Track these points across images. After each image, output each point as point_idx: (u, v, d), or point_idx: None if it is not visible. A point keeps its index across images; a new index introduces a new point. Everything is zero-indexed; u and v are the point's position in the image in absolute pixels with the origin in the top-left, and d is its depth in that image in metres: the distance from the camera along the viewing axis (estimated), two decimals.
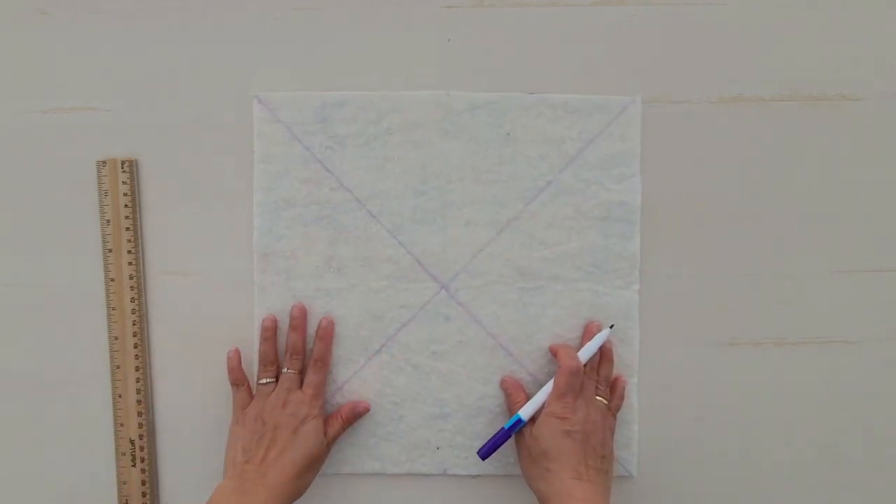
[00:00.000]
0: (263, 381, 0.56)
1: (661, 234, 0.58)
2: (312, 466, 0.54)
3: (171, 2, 0.58)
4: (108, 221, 0.57)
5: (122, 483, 0.58)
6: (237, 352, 0.57)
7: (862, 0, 0.58)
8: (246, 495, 0.50)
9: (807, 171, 0.58)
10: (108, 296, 0.57)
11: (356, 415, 0.57)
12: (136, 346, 0.57)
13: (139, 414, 0.58)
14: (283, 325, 0.58)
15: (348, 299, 0.58)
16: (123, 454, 0.58)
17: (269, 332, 0.57)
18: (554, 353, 0.56)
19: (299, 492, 0.53)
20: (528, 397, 0.55)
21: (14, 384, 0.59)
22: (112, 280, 0.57)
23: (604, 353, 0.56)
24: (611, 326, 0.57)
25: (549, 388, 0.54)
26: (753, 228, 0.58)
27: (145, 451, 0.57)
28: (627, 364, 0.58)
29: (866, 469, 0.59)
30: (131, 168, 0.57)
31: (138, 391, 0.57)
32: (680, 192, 0.58)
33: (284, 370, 0.56)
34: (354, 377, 0.58)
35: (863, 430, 0.59)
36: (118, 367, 0.57)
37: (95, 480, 0.59)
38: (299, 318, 0.57)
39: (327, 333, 0.57)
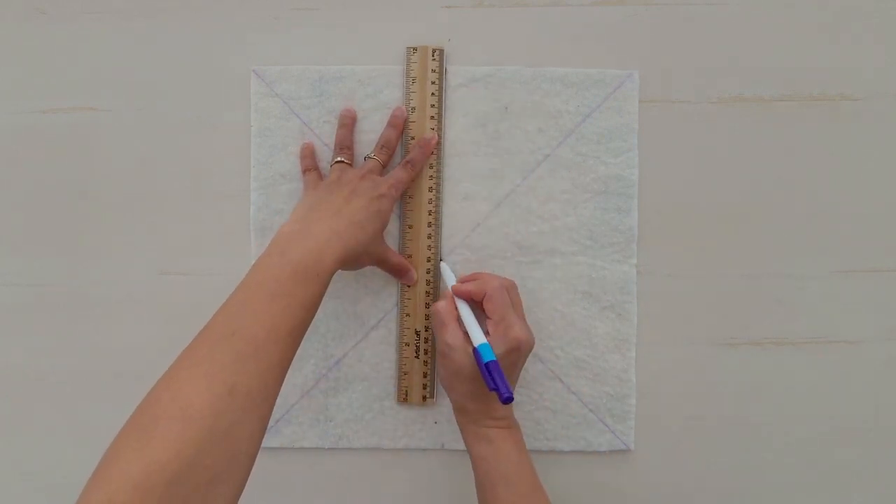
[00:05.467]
0: (339, 159, 0.55)
1: (660, 233, 0.58)
2: (371, 244, 0.51)
3: (171, 2, 0.58)
4: (414, 106, 0.57)
5: (402, 374, 0.58)
6: (311, 143, 0.57)
7: (862, 0, 0.58)
8: (310, 237, 0.47)
9: (807, 171, 0.58)
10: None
11: (404, 270, 0.56)
12: (429, 237, 0.57)
13: (426, 305, 0.57)
14: None
15: (345, 274, 0.58)
16: (407, 345, 0.58)
17: (348, 119, 0.57)
18: (465, 293, 0.53)
19: (357, 261, 0.51)
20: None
21: (14, 384, 0.59)
22: (410, 154, 0.57)
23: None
24: (441, 260, 0.57)
25: (467, 311, 0.52)
26: (753, 228, 0.58)
27: (429, 342, 0.58)
28: (625, 339, 0.58)
29: (866, 469, 0.59)
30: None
31: (427, 283, 0.58)
32: (679, 192, 0.58)
33: (370, 155, 0.55)
34: (352, 351, 0.58)
35: (863, 430, 0.59)
36: (409, 256, 0.57)
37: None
38: (399, 117, 0.56)
39: (430, 144, 0.56)
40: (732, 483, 0.59)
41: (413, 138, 0.57)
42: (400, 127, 0.56)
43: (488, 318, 0.51)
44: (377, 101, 0.58)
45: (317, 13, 0.58)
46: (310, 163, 0.57)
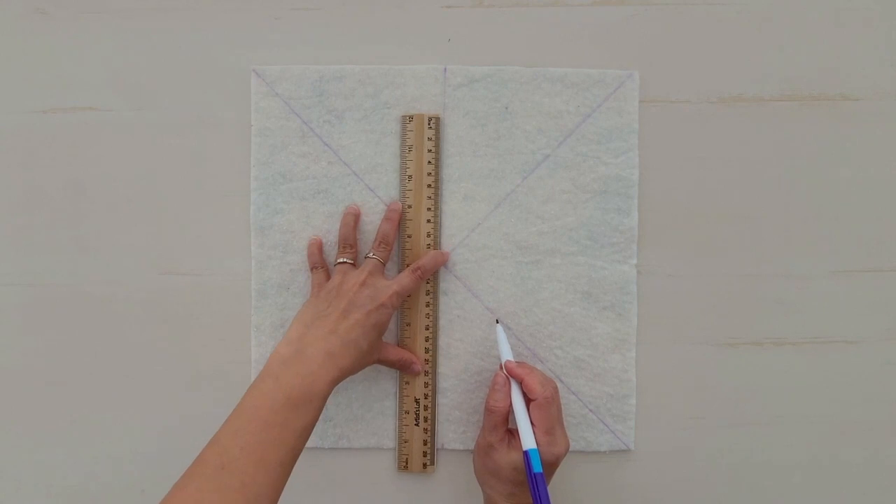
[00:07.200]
0: (342, 259, 0.55)
1: (660, 233, 0.58)
2: (367, 356, 0.52)
3: (171, 2, 0.58)
4: (411, 177, 0.57)
5: (403, 442, 0.58)
6: (318, 239, 0.57)
7: (862, 0, 0.58)
8: (304, 361, 0.48)
9: (807, 171, 0.58)
10: (403, 248, 0.57)
11: (407, 364, 0.56)
12: (427, 305, 0.57)
13: (425, 373, 0.57)
14: (280, 294, 0.58)
15: None
16: (407, 412, 0.58)
17: (351, 218, 0.56)
18: (518, 378, 0.52)
19: (349, 373, 0.50)
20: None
21: (14, 384, 0.59)
22: (409, 237, 0.57)
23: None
24: (497, 321, 0.57)
25: (523, 412, 0.52)
26: (753, 228, 0.58)
27: (429, 410, 0.58)
28: (625, 339, 0.58)
29: (866, 469, 0.59)
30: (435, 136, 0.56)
31: (427, 350, 0.57)
32: (679, 192, 0.58)
33: (370, 254, 0.55)
34: None
35: (863, 430, 0.59)
36: (408, 324, 0.57)
37: (94, 480, 0.59)
38: (395, 211, 0.56)
39: (443, 259, 0.57)
40: (732, 483, 0.59)
41: (410, 206, 0.57)
42: (396, 221, 0.56)
43: (534, 424, 0.51)
44: (377, 101, 0.58)
45: (317, 13, 0.58)
46: (317, 260, 0.56)
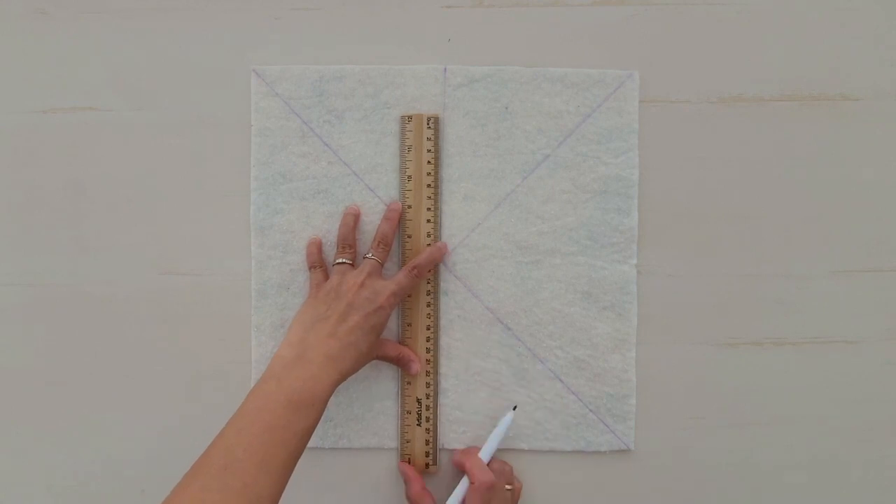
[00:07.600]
0: (340, 260, 0.55)
1: (660, 233, 0.58)
2: (366, 356, 0.53)
3: (171, 1, 0.58)
4: (409, 177, 0.58)
5: (405, 441, 0.58)
6: (318, 239, 0.57)
7: (862, 1, 0.58)
8: (305, 365, 0.48)
9: (807, 171, 0.58)
10: (403, 248, 0.57)
11: (406, 360, 0.56)
12: (428, 305, 0.57)
13: (427, 373, 0.57)
14: (280, 294, 0.58)
15: None
16: (409, 412, 0.58)
17: (351, 218, 0.56)
18: (460, 466, 0.55)
19: (349, 374, 0.51)
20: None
21: (14, 384, 0.59)
22: (409, 237, 0.57)
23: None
24: (514, 408, 0.57)
25: (462, 488, 0.53)
26: (753, 228, 0.58)
27: (431, 410, 0.58)
28: (625, 339, 0.58)
29: (866, 469, 0.59)
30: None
31: (428, 350, 0.57)
32: (679, 192, 0.58)
33: (369, 255, 0.55)
34: None
35: (863, 430, 0.59)
36: (409, 324, 0.57)
37: (94, 480, 0.59)
38: (395, 211, 0.57)
39: (441, 253, 0.57)
40: (732, 483, 0.59)
41: (410, 206, 0.57)
42: (395, 221, 0.56)
43: None
44: (377, 101, 0.58)
45: (317, 13, 0.58)
46: (315, 259, 0.56)
